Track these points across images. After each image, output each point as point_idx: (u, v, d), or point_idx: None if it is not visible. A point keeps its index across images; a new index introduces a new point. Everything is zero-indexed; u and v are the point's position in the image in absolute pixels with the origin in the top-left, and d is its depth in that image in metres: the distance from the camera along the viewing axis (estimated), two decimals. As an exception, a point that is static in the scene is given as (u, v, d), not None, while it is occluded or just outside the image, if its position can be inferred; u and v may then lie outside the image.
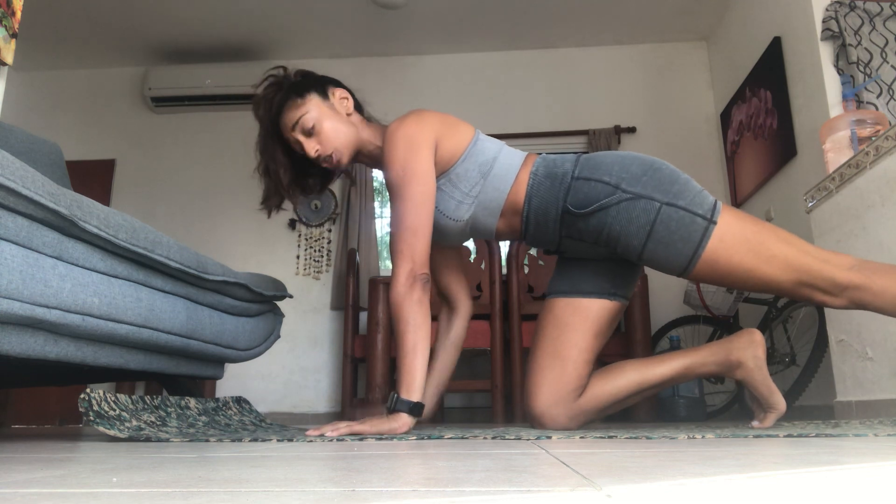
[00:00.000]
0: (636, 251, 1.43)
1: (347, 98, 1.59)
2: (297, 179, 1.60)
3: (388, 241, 4.23)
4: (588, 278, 1.57)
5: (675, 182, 1.41)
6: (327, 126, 1.52)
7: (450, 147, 1.50)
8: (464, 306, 1.73)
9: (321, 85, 1.57)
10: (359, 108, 1.63)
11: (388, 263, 4.27)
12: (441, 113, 1.54)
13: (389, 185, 1.47)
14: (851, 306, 1.39)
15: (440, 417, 3.70)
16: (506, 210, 1.53)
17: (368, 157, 1.62)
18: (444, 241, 1.61)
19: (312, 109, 1.52)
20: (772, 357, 3.13)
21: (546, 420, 1.52)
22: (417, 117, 1.50)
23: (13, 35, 1.86)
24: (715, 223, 1.38)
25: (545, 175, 1.49)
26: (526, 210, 1.51)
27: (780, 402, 1.47)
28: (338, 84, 1.62)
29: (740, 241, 1.38)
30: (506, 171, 1.51)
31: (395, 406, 1.35)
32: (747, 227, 1.39)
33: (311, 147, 1.53)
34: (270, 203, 1.58)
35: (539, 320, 1.62)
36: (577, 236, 1.51)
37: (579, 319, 1.55)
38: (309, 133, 1.52)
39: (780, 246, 1.38)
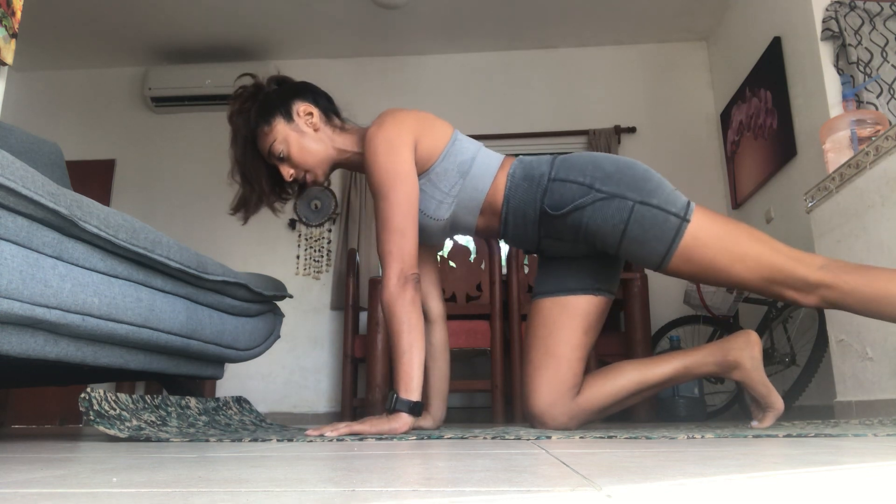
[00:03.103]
0: (613, 248, 1.47)
1: (312, 113, 1.57)
2: (276, 188, 1.63)
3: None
4: (571, 275, 1.59)
5: (649, 181, 1.44)
6: (295, 151, 1.55)
7: (428, 146, 1.51)
8: (436, 310, 1.71)
9: (286, 103, 1.57)
10: (331, 114, 1.61)
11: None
12: (417, 111, 1.55)
13: (373, 189, 1.48)
14: (823, 305, 1.41)
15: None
16: (485, 209, 1.55)
17: (348, 165, 1.63)
18: (425, 241, 1.62)
19: (279, 136, 1.55)
20: (772, 357, 3.13)
21: (546, 419, 1.52)
22: (394, 119, 1.51)
23: (13, 35, 1.86)
24: (688, 221, 1.41)
25: (522, 177, 1.51)
26: (504, 211, 1.53)
27: (778, 402, 1.48)
28: (305, 95, 1.59)
29: (713, 238, 1.41)
30: (484, 171, 1.52)
31: (394, 406, 1.36)
32: (720, 226, 1.42)
33: (286, 172, 1.58)
34: (248, 210, 1.60)
35: (528, 322, 1.64)
36: (557, 236, 1.53)
37: (567, 317, 1.57)
38: (281, 159, 1.56)
39: (752, 244, 1.41)
